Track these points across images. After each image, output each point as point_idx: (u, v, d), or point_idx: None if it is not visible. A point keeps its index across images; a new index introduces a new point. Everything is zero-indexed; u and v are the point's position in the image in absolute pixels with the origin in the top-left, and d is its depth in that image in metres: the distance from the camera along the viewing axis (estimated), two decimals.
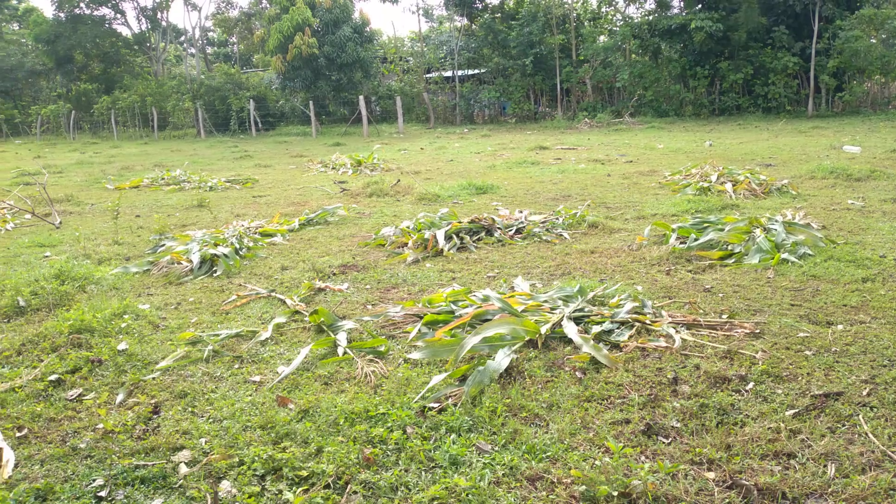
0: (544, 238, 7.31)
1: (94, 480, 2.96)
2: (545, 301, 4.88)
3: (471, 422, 3.29)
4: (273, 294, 5.61)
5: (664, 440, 3.12)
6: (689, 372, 3.78)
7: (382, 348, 4.31)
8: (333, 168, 15.62)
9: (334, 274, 6.27)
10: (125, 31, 45.58)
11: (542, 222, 7.85)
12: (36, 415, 3.63)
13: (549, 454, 3.01)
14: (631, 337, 4.28)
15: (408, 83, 37.83)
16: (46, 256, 7.36)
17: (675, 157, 14.98)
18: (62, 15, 41.67)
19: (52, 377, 4.06)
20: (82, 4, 42.12)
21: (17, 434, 3.44)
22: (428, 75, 38.56)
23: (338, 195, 11.40)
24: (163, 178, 14.05)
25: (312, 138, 28.79)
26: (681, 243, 6.56)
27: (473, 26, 36.51)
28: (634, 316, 4.55)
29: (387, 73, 39.85)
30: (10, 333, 4.91)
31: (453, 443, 3.11)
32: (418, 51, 40.73)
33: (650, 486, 2.67)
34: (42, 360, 4.34)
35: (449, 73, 37.69)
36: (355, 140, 26.13)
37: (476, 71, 36.97)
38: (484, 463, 2.95)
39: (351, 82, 35.18)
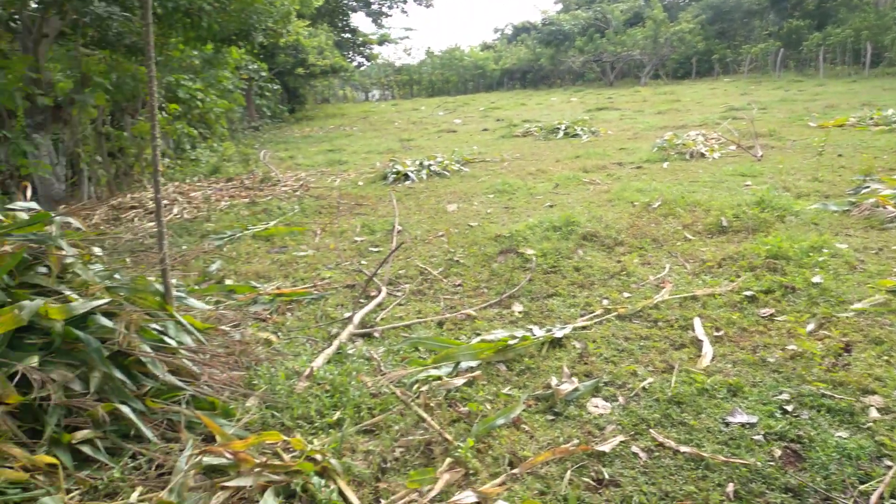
0: None
1: (780, 393, 3.11)
2: None
3: None
4: None
5: None
6: None
7: None
8: None
9: None
10: None
11: None
12: (730, 322, 4.00)
13: None
14: None
15: None
16: (747, 185, 7.81)
17: None
18: None
19: (747, 293, 4.37)
20: None
21: (715, 333, 3.86)
22: None
23: None
24: (871, 119, 12.97)
25: None
26: None
27: None
28: None
29: None
30: (713, 248, 5.46)
31: None
32: None
33: None
34: (739, 276, 4.70)
35: None
36: None
37: None
38: None
39: None
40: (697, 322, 3.99)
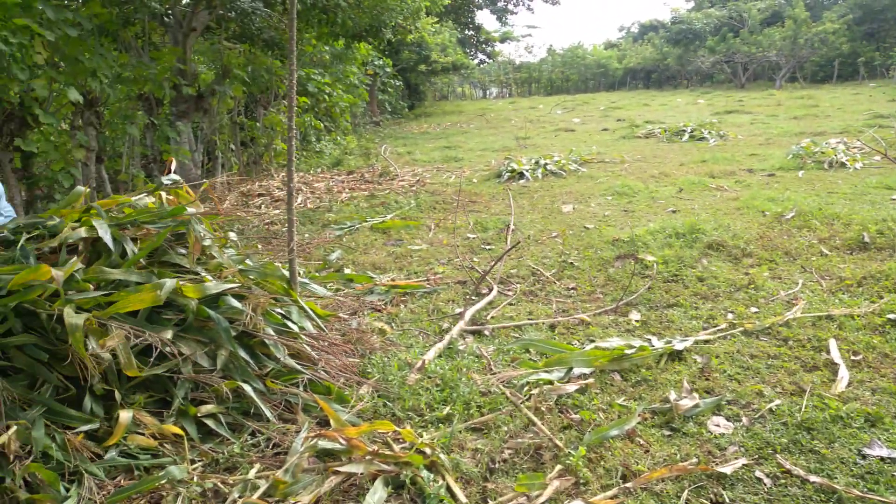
0: None
1: None
2: None
3: None
4: None
5: None
6: None
7: None
8: None
9: None
10: None
11: None
12: (870, 346, 3.68)
13: None
14: None
15: None
16: (894, 199, 7.19)
17: None
18: None
19: (891, 316, 4.01)
20: None
21: (853, 357, 3.57)
22: None
23: None
24: None
25: None
26: None
27: None
28: None
29: None
30: (852, 265, 5.06)
31: None
32: None
33: None
34: (881, 298, 4.33)
35: None
36: None
37: None
38: None
39: None
40: (833, 344, 3.70)
